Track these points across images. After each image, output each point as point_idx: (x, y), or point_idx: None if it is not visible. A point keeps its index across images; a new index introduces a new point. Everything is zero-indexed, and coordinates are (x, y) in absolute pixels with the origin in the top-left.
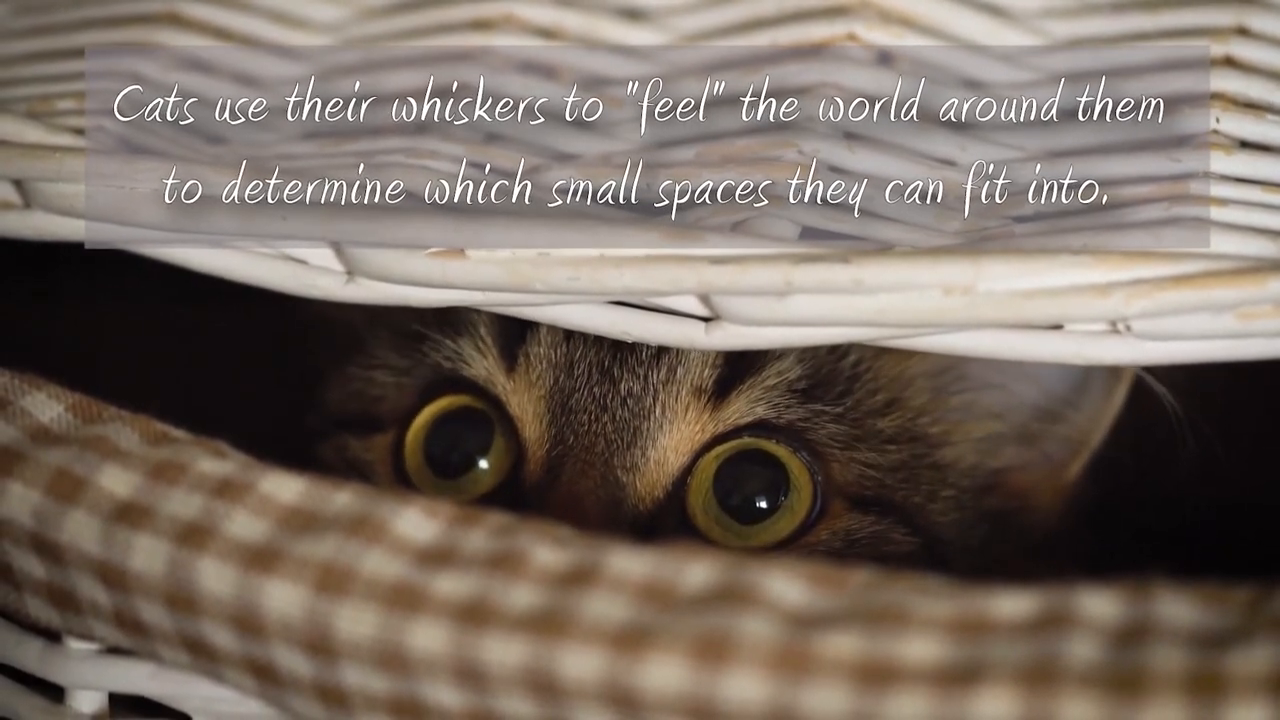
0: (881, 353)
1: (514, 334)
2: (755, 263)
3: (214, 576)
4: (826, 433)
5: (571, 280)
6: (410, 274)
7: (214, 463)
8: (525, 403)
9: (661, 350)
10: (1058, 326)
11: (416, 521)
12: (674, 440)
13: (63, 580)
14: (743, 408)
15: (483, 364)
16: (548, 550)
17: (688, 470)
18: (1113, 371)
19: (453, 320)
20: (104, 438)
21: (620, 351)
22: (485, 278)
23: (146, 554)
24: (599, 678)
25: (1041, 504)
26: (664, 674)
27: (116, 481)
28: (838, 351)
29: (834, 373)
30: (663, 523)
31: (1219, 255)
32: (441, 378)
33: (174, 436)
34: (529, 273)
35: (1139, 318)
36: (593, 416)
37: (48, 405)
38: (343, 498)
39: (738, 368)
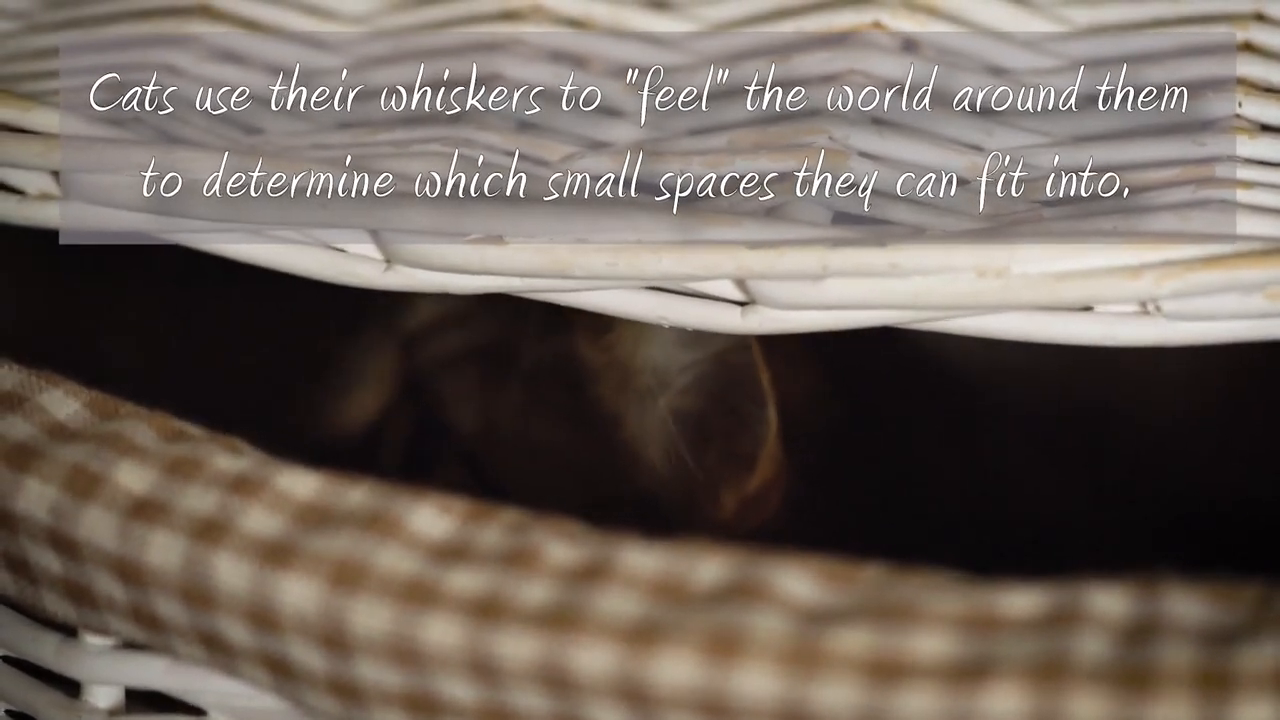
0: None
1: None
2: (792, 247)
3: (230, 572)
4: None
5: (610, 266)
6: (450, 262)
7: (229, 459)
8: None
9: None
10: (1088, 308)
11: (430, 518)
12: None
13: (79, 576)
14: None
15: None
16: (560, 546)
17: None
18: None
19: None
20: (120, 434)
21: None
22: (524, 264)
23: (163, 550)
24: (612, 673)
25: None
26: (676, 670)
27: (133, 478)
28: None
29: None
30: None
31: (1246, 237)
32: None
33: (190, 433)
34: (568, 259)
35: (1169, 298)
36: None
37: (64, 402)
38: (357, 494)
39: None
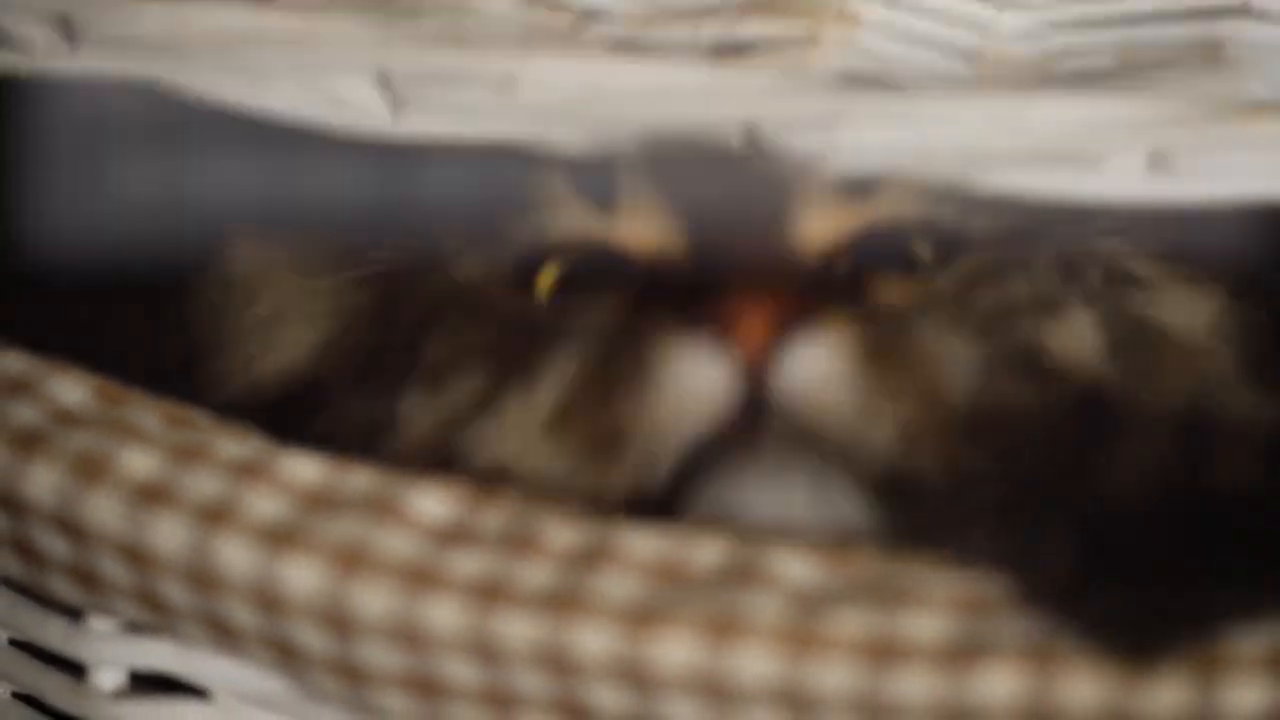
0: None
1: None
2: (804, 94)
3: (234, 556)
4: None
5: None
6: (460, 106)
7: (234, 444)
8: None
9: None
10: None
11: (432, 501)
12: None
13: (86, 559)
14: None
15: None
16: (561, 529)
17: None
18: None
19: None
20: (126, 420)
21: None
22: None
23: (168, 534)
24: (612, 655)
25: None
26: (675, 651)
27: (138, 463)
28: None
29: None
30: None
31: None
32: None
33: (195, 419)
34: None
35: (1182, 153)
36: None
37: (72, 388)
38: (360, 478)
39: None
